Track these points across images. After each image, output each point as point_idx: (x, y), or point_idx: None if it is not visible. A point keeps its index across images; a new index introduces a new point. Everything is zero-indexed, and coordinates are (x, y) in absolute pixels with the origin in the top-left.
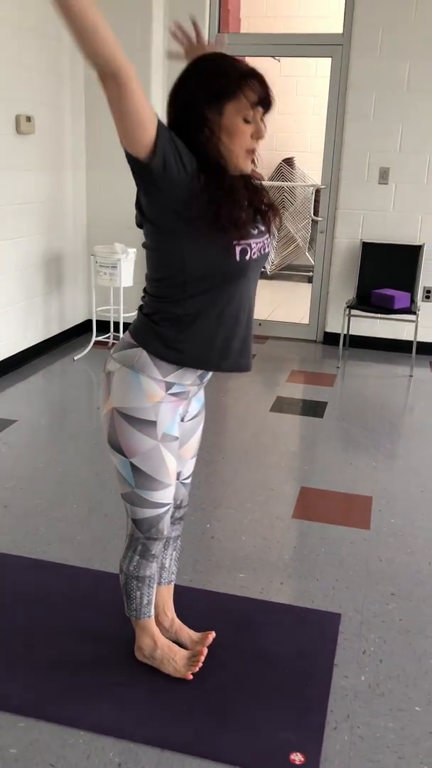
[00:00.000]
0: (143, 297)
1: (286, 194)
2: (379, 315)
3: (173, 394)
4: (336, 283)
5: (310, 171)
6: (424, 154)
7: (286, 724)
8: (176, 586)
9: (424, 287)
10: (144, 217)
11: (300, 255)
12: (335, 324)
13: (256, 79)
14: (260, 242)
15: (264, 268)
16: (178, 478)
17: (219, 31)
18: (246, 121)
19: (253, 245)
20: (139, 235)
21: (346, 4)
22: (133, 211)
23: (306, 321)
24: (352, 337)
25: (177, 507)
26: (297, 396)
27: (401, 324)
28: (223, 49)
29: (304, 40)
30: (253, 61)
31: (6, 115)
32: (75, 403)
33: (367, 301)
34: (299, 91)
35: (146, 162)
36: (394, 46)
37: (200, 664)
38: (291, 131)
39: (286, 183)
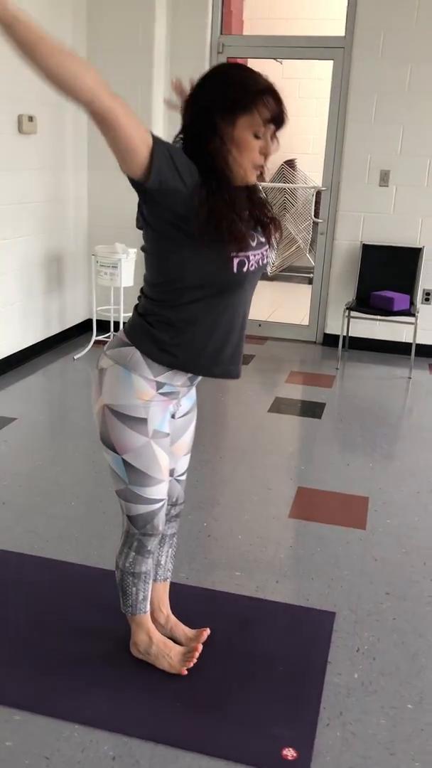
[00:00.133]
0: (140, 297)
1: (287, 196)
2: (378, 317)
3: (163, 394)
4: (336, 285)
5: (312, 173)
6: (425, 157)
7: (279, 720)
8: (172, 584)
9: (424, 289)
10: (145, 222)
11: (301, 257)
12: (335, 325)
13: (272, 96)
14: (259, 254)
15: (264, 270)
16: (171, 475)
17: (221, 33)
18: (256, 136)
19: (252, 257)
20: (140, 235)
21: (348, 7)
22: (134, 212)
23: (306, 322)
24: (352, 338)
25: (173, 504)
26: (296, 397)
27: (400, 326)
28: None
29: (306, 43)
30: (254, 63)
31: (8, 115)
32: (74, 402)
33: (366, 302)
34: (301, 93)
35: (142, 182)
36: (396, 49)
37: (195, 660)
38: (292, 133)
39: (287, 185)
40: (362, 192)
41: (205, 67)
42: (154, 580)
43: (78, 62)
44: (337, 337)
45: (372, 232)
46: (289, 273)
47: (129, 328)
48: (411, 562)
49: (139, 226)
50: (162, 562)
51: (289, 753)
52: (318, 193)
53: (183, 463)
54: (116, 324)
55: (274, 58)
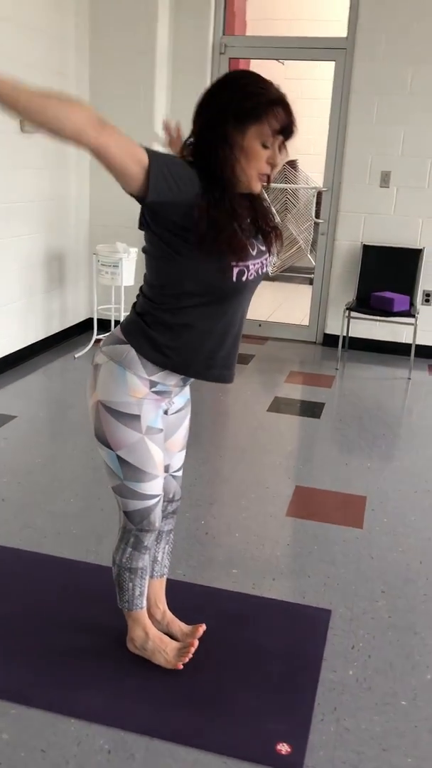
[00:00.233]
0: (138, 296)
1: (288, 196)
2: (378, 317)
3: (156, 392)
4: (336, 285)
5: (313, 173)
6: (425, 158)
7: (274, 715)
8: (169, 580)
9: (424, 291)
10: (146, 226)
11: (302, 257)
12: (335, 326)
13: (282, 107)
14: (258, 262)
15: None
16: (167, 471)
17: (224, 34)
18: (264, 146)
19: (251, 267)
20: (141, 234)
21: (350, 8)
22: (136, 212)
23: (306, 323)
24: (352, 339)
25: (169, 501)
26: (295, 396)
27: (400, 327)
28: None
29: (308, 44)
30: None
31: None
32: (74, 400)
33: (366, 303)
34: (303, 94)
35: (141, 197)
36: (397, 51)
37: (190, 656)
38: None
39: (289, 185)
40: (363, 193)
41: (207, 67)
42: (151, 577)
43: (60, 105)
44: (337, 337)
45: (372, 232)
46: (290, 273)
47: (126, 326)
48: (407, 560)
49: (141, 228)
50: (159, 559)
51: (283, 747)
52: (319, 194)
53: (178, 460)
54: (117, 323)
55: (276, 59)
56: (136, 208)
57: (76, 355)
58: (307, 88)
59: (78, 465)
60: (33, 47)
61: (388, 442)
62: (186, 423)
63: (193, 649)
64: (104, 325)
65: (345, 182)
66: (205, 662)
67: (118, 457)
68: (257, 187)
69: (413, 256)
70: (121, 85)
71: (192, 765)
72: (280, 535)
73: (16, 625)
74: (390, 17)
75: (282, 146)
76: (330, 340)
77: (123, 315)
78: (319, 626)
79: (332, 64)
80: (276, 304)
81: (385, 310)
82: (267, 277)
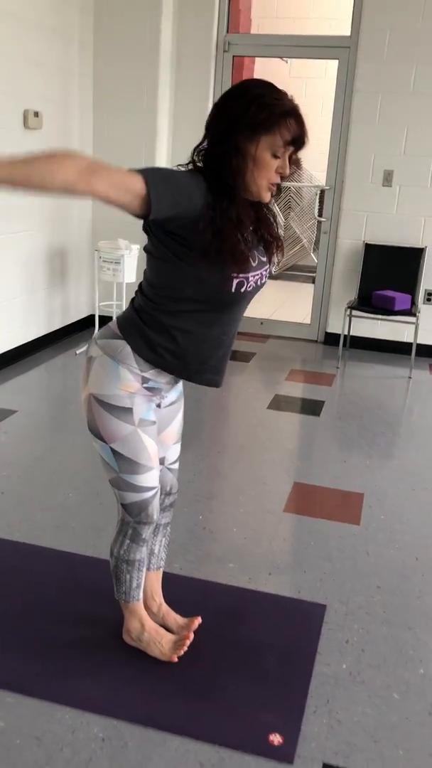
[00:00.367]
0: (137, 292)
1: (292, 195)
2: (379, 316)
3: (148, 388)
4: (338, 284)
5: (318, 172)
6: (428, 157)
7: (267, 706)
8: (165, 574)
9: (426, 290)
10: (150, 231)
11: (305, 256)
12: (336, 324)
13: (294, 118)
14: (258, 273)
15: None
16: (162, 464)
17: (228, 32)
18: (275, 156)
19: (251, 278)
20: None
21: (354, 7)
22: None
23: (308, 321)
24: (353, 337)
25: (167, 494)
26: (295, 394)
27: (402, 326)
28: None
29: (311, 42)
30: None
31: (14, 110)
32: (74, 396)
33: (368, 302)
34: (308, 92)
35: (145, 216)
36: (401, 49)
37: (185, 649)
38: None
39: (292, 183)
40: (365, 192)
41: (211, 65)
42: (148, 569)
43: (45, 167)
44: (338, 335)
45: (375, 231)
46: (293, 272)
47: (122, 322)
48: (403, 557)
49: (144, 231)
50: (155, 551)
51: (275, 738)
52: (322, 192)
53: (173, 452)
54: None
55: (280, 57)
56: None
57: (77, 352)
58: (312, 86)
59: (77, 459)
60: (37, 44)
61: (388, 441)
62: (179, 415)
63: (188, 642)
64: (105, 321)
65: (347, 181)
66: (200, 654)
67: (112, 450)
68: (267, 196)
69: (415, 255)
70: (125, 81)
71: (184, 754)
72: (277, 530)
73: (14, 616)
74: (394, 16)
75: (293, 156)
76: (331, 339)
77: None
78: (313, 621)
79: (336, 62)
80: (278, 303)
81: (386, 309)
82: (270, 276)
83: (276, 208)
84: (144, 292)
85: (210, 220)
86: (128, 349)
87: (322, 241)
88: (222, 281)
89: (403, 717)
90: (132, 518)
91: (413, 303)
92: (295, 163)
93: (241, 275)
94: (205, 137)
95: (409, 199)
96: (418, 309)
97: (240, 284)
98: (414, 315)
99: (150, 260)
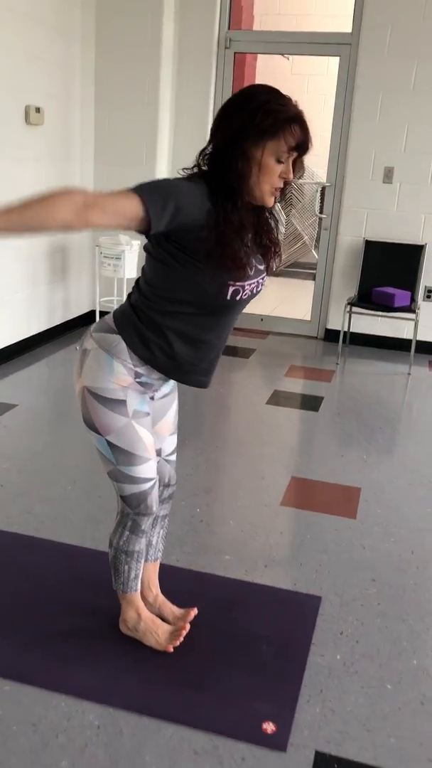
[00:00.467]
0: (134, 288)
1: (293, 191)
2: (379, 313)
3: (140, 383)
4: (338, 280)
5: (319, 169)
6: (429, 154)
7: (261, 695)
8: (162, 565)
9: (425, 286)
10: (151, 237)
11: (307, 252)
12: (336, 321)
13: (299, 124)
14: (254, 282)
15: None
16: (159, 455)
17: (229, 28)
18: (279, 161)
19: (247, 287)
20: None
21: (355, 3)
22: None
23: (308, 317)
24: (353, 334)
25: (165, 486)
26: (294, 390)
27: (401, 322)
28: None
29: (312, 39)
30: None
31: (16, 106)
32: (74, 390)
33: (368, 298)
34: (309, 89)
35: (146, 233)
36: (402, 46)
37: (181, 639)
38: None
39: (293, 179)
40: (366, 188)
41: (212, 62)
42: (145, 560)
43: (40, 210)
44: (338, 332)
45: (375, 228)
46: (294, 269)
47: (119, 316)
48: (399, 551)
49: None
50: (153, 543)
51: (269, 726)
52: (323, 189)
53: (170, 444)
54: None
55: (281, 54)
56: None
57: (78, 347)
58: (314, 83)
59: (76, 453)
60: (39, 39)
61: (386, 436)
62: (174, 406)
63: (184, 633)
64: None
65: (348, 178)
66: (196, 644)
67: (108, 442)
68: (270, 201)
69: (415, 252)
70: (126, 77)
71: (179, 741)
72: (274, 523)
73: (13, 606)
74: (395, 13)
75: (297, 162)
76: (331, 335)
77: None
78: (308, 612)
79: (337, 59)
80: (279, 299)
81: (386, 306)
82: (271, 273)
83: (279, 213)
84: (141, 289)
85: (213, 225)
86: (123, 344)
87: (323, 237)
88: (218, 288)
89: (395, 707)
90: (131, 510)
91: (413, 300)
92: (298, 168)
93: (237, 283)
94: (210, 142)
95: (410, 196)
96: (418, 306)
97: (236, 292)
98: (414, 312)
99: (149, 259)
